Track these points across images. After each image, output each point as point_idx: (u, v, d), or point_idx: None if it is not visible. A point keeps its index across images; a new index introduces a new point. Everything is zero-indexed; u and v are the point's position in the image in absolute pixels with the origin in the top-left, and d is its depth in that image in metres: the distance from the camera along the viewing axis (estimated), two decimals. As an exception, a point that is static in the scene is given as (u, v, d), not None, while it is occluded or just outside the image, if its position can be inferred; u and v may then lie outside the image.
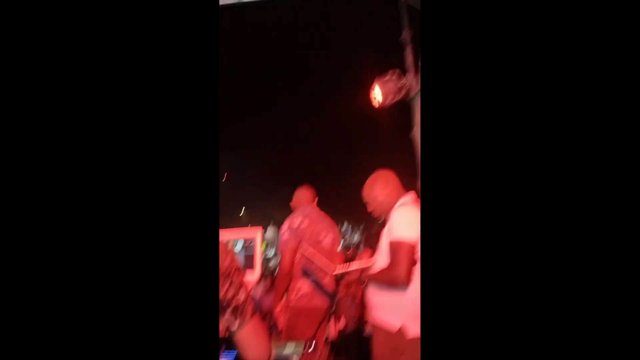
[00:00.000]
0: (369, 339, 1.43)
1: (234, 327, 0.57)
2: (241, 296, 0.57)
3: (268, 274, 4.10)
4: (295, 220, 1.90)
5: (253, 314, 0.59)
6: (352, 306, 3.81)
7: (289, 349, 1.05)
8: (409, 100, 2.67)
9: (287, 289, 1.86)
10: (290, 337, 1.67)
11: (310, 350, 0.96)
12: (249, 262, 1.23)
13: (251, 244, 1.26)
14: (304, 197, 2.06)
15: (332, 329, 3.60)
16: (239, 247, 1.25)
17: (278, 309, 1.90)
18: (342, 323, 3.80)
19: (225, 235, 1.26)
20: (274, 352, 0.83)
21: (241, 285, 0.58)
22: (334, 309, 1.97)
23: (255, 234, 1.28)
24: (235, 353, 0.93)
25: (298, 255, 1.83)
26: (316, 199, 2.09)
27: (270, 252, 8.97)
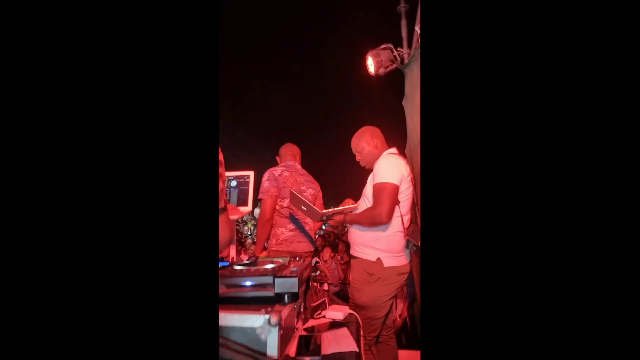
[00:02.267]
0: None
1: None
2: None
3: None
4: (276, 170, 1.96)
5: (224, 205, 0.68)
6: (336, 269, 4.00)
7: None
8: (403, 69, 2.69)
9: (268, 236, 1.95)
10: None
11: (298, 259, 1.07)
12: (243, 198, 1.34)
13: (245, 180, 1.35)
14: (289, 152, 2.11)
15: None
16: (234, 183, 1.35)
17: (262, 255, 2.02)
18: (325, 286, 4.01)
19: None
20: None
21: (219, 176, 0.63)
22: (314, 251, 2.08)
23: (249, 172, 1.37)
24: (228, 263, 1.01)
25: (279, 203, 1.90)
26: (299, 156, 2.15)
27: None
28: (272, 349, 0.74)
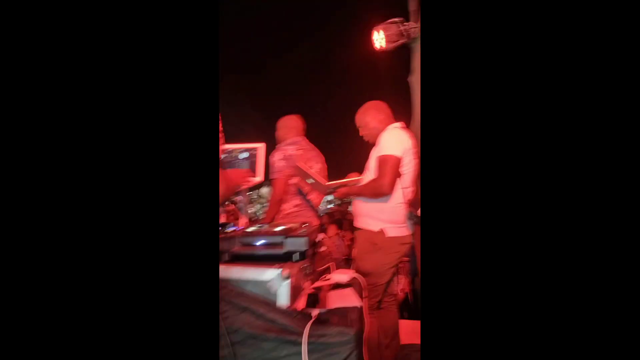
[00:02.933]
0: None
1: None
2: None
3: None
4: (288, 148, 1.97)
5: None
6: (341, 245, 4.10)
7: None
8: (409, 44, 2.65)
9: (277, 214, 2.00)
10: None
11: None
12: (253, 169, 1.39)
13: (254, 152, 1.40)
14: (294, 127, 2.10)
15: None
16: (244, 154, 1.40)
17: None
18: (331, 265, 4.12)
19: (232, 146, 1.43)
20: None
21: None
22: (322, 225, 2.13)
23: (259, 145, 1.42)
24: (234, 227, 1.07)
25: (289, 182, 1.93)
26: (304, 129, 2.15)
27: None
28: (283, 300, 0.81)
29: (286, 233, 0.91)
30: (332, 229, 4.14)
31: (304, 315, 0.85)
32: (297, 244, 0.88)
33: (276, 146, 2.07)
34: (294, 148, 1.98)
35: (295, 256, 0.89)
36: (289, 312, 0.78)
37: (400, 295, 3.70)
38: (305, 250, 0.89)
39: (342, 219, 4.89)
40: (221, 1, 0.58)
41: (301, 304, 0.92)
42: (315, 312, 0.87)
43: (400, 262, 3.80)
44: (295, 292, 0.88)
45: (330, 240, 4.08)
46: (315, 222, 2.05)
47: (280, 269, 0.80)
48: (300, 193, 1.98)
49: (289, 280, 0.81)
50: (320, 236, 4.19)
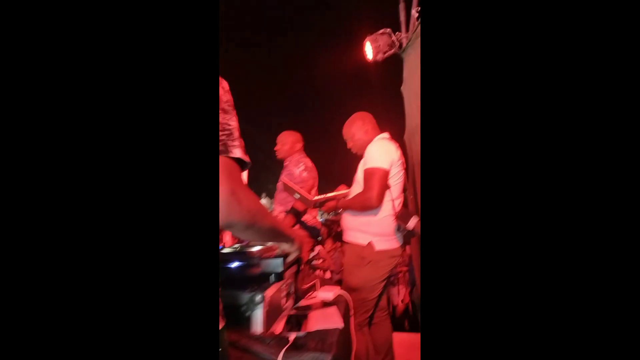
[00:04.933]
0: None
1: None
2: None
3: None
4: (307, 161, 2.03)
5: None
6: (338, 258, 4.05)
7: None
8: (400, 54, 2.66)
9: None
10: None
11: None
12: None
13: None
14: (298, 141, 2.14)
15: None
16: None
17: None
18: (327, 274, 4.07)
19: None
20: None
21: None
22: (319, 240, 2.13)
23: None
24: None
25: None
26: (302, 144, 2.18)
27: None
28: (256, 325, 0.78)
29: (262, 253, 0.89)
30: (330, 242, 4.10)
31: (280, 340, 0.82)
32: (272, 265, 0.85)
33: (286, 159, 2.08)
34: (309, 161, 2.01)
35: (272, 278, 0.87)
36: (262, 339, 0.75)
37: (401, 306, 3.63)
38: (282, 272, 0.86)
39: (340, 230, 4.84)
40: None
41: (279, 327, 0.89)
42: (292, 337, 0.84)
43: (399, 272, 3.75)
44: (272, 316, 0.85)
45: (327, 253, 4.04)
46: (309, 241, 2.03)
47: (252, 293, 0.77)
48: (294, 213, 1.97)
49: (262, 305, 0.78)
50: (317, 249, 4.14)
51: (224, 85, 0.63)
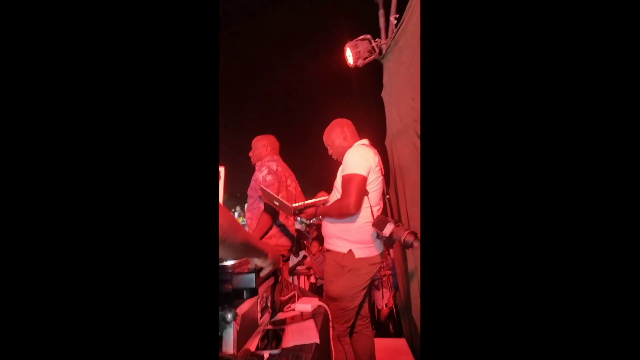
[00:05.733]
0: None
1: None
2: None
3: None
4: (272, 164, 1.97)
5: None
6: (323, 262, 4.03)
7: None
8: (380, 60, 2.68)
9: (267, 231, 1.94)
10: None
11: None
12: None
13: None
14: (271, 145, 2.11)
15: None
16: None
17: None
18: (312, 279, 4.05)
19: None
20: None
21: None
22: (294, 247, 2.10)
23: (219, 169, 1.36)
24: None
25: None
26: (279, 148, 2.15)
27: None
28: (228, 345, 0.75)
29: (234, 269, 0.86)
30: (315, 245, 4.08)
31: (254, 359, 0.79)
32: (245, 281, 0.82)
33: (256, 164, 2.05)
34: (276, 163, 1.97)
35: (245, 294, 0.84)
36: (234, 359, 0.72)
37: (385, 310, 3.64)
38: (255, 288, 0.83)
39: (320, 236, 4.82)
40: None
41: (254, 344, 0.86)
42: (266, 355, 0.82)
43: (383, 276, 3.75)
44: (245, 333, 0.82)
45: (313, 257, 4.01)
46: (290, 244, 2.00)
47: (223, 312, 0.74)
48: (269, 210, 1.93)
49: (233, 323, 0.75)
50: (302, 253, 4.09)
51: None
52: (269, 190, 1.61)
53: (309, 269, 4.01)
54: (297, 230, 2.27)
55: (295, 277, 3.96)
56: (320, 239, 4.56)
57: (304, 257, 4.13)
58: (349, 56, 2.81)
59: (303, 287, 3.79)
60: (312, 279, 4.02)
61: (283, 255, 2.00)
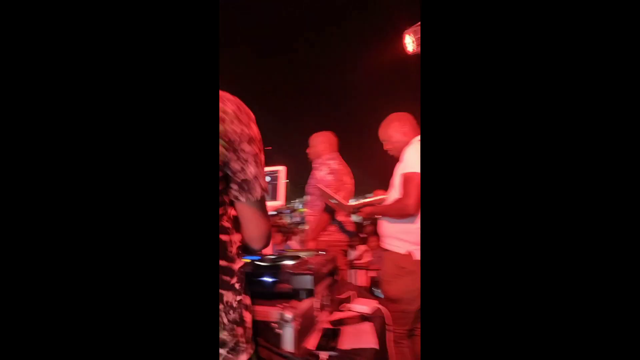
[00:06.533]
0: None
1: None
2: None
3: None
4: (332, 162, 1.98)
5: (262, 194, 0.67)
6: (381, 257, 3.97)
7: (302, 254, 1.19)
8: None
9: (325, 227, 1.96)
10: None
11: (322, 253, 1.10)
12: (274, 193, 1.36)
13: (275, 175, 1.37)
14: (330, 143, 2.09)
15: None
16: (267, 179, 1.40)
17: (312, 244, 2.02)
18: (372, 273, 4.01)
19: None
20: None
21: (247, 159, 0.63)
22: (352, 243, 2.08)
23: (280, 168, 1.38)
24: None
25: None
26: (338, 145, 2.13)
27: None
28: (288, 343, 0.77)
29: (294, 269, 0.88)
30: (374, 239, 4.03)
31: (312, 358, 0.81)
32: (302, 282, 0.84)
33: (314, 162, 2.07)
34: (336, 162, 1.97)
35: (302, 294, 0.86)
36: (293, 358, 0.75)
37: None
38: (312, 289, 0.85)
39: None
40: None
41: (312, 343, 0.88)
42: (324, 356, 0.83)
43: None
44: (304, 332, 0.84)
45: (370, 252, 3.97)
46: (345, 241, 2.00)
47: (283, 311, 0.77)
48: (329, 211, 1.95)
49: (292, 322, 0.77)
50: (362, 248, 4.05)
51: (252, 116, 0.65)
52: (326, 190, 1.62)
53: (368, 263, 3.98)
54: (355, 223, 2.25)
55: (354, 273, 3.97)
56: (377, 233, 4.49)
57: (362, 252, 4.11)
58: (409, 43, 2.68)
59: (363, 281, 3.78)
60: (372, 273, 3.98)
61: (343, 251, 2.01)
